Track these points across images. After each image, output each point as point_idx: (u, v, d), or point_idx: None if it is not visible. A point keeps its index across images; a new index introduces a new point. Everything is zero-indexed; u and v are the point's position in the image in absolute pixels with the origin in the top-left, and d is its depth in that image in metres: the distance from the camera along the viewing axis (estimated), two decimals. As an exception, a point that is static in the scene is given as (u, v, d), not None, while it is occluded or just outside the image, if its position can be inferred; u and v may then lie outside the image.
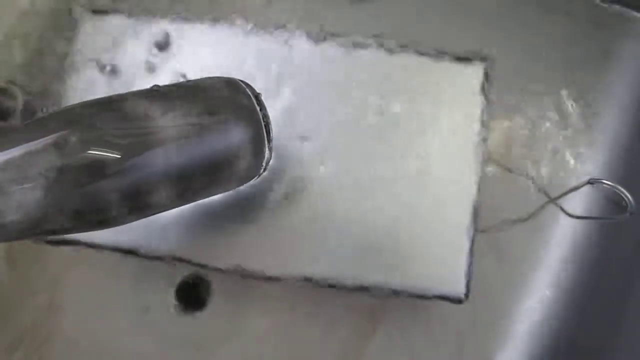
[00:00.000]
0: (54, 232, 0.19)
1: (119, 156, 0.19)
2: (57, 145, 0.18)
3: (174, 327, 0.31)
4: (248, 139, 0.23)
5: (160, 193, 0.21)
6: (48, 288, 0.31)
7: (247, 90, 0.24)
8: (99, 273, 0.31)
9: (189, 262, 0.29)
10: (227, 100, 0.23)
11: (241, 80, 0.24)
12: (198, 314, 0.31)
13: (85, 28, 0.31)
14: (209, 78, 0.24)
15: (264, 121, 0.23)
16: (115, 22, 0.31)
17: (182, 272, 0.31)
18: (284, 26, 0.31)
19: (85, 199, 0.19)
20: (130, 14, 0.31)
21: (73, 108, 0.20)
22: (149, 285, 0.31)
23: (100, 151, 0.19)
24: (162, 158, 0.20)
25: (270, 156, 0.25)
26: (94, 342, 0.31)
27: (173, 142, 0.20)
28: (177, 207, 0.23)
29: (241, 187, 0.29)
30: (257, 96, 0.24)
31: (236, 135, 0.22)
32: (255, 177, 0.26)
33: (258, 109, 0.23)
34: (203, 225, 0.30)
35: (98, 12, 0.31)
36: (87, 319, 0.31)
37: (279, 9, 0.32)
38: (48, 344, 0.31)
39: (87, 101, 0.21)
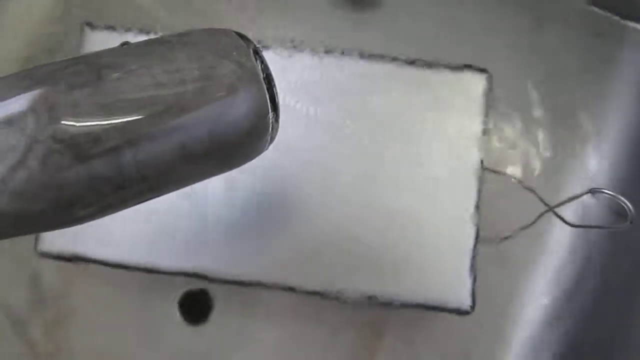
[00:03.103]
0: (37, 228, 0.16)
1: (100, 132, 0.15)
2: (25, 113, 0.14)
3: (179, 340, 0.31)
4: (249, 106, 0.18)
5: (156, 174, 0.17)
6: (55, 302, 0.31)
7: (244, 43, 0.19)
8: (105, 287, 0.31)
9: (192, 275, 0.29)
10: (219, 57, 0.18)
11: (236, 32, 0.19)
12: (203, 327, 0.31)
13: (87, 43, 0.31)
14: (197, 30, 0.19)
15: (266, 83, 0.18)
16: (116, 38, 0.31)
17: (186, 285, 0.31)
18: (284, 40, 0.31)
19: (59, 186, 0.15)
20: (133, 31, 0.31)
21: (44, 66, 0.16)
22: (154, 298, 0.31)
23: (74, 122, 0.15)
24: (152, 134, 0.16)
25: (277, 129, 0.20)
26: (100, 356, 0.31)
27: (164, 113, 0.16)
28: (175, 190, 0.19)
29: (242, 200, 0.29)
30: (256, 50, 0.19)
31: (235, 103, 0.18)
32: (260, 153, 0.20)
33: (259, 64, 0.18)
34: (204, 239, 0.30)
35: (99, 27, 0.31)
36: (93, 333, 0.31)
37: (279, 22, 0.32)
38: (55, 358, 0.31)
39: (60, 60, 0.17)
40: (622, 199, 0.28)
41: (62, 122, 0.15)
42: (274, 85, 0.19)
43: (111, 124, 0.15)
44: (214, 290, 0.31)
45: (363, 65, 0.31)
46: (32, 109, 0.14)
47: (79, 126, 0.15)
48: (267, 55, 0.31)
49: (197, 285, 0.31)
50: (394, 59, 0.31)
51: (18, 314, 0.31)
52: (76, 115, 0.15)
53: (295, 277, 0.29)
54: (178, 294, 0.31)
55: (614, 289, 0.31)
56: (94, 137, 0.15)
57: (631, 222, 0.28)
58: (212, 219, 0.30)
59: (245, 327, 0.31)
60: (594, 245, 0.31)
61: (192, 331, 0.31)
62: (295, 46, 0.31)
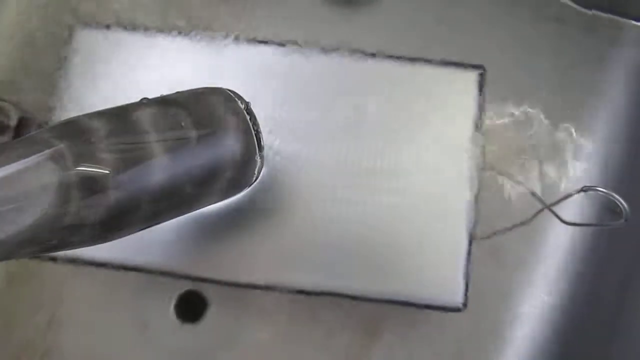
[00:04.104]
0: (47, 250, 0.19)
1: (108, 172, 0.19)
2: (53, 161, 0.18)
3: (174, 341, 0.31)
4: (239, 149, 0.23)
5: (153, 207, 0.21)
6: (48, 304, 0.31)
7: (236, 99, 0.24)
8: (98, 288, 0.31)
9: (186, 276, 0.29)
10: (217, 111, 0.23)
11: (230, 90, 0.24)
12: (197, 327, 0.31)
13: (79, 43, 0.31)
14: (198, 89, 0.24)
15: (254, 130, 0.23)
16: (108, 37, 0.31)
17: (180, 286, 0.31)
18: (277, 37, 0.31)
19: (76, 216, 0.18)
20: (122, 28, 0.31)
21: (65, 122, 0.20)
22: (148, 299, 0.31)
23: (91, 167, 0.18)
24: (154, 172, 0.20)
25: (262, 164, 0.25)
26: (93, 357, 0.31)
27: (164, 155, 0.20)
28: (172, 219, 0.23)
29: (236, 198, 0.29)
30: (246, 105, 0.24)
31: (227, 146, 0.22)
32: (248, 186, 0.26)
33: (248, 118, 0.23)
34: (199, 239, 0.30)
35: (91, 26, 0.31)
36: (86, 334, 0.31)
37: (272, 19, 0.32)
38: (49, 359, 0.31)
39: (78, 116, 0.20)
40: (616, 196, 0.28)
41: (79, 168, 0.18)
42: (260, 132, 0.24)
43: (123, 166, 0.19)
44: (208, 290, 0.31)
45: (357, 63, 0.31)
46: (59, 157, 0.18)
47: (95, 171, 0.19)
48: (259, 51, 0.31)
49: (191, 286, 0.31)
50: (388, 56, 0.31)
51: (12, 315, 0.31)
52: (92, 162, 0.19)
53: (290, 277, 0.29)
54: (173, 295, 0.31)
55: (610, 286, 0.31)
56: (106, 176, 0.19)
57: (626, 220, 0.28)
58: (206, 221, 0.30)
59: (240, 327, 0.31)
60: (589, 243, 0.31)
61: (187, 331, 0.31)
62: (288, 43, 0.31)
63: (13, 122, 0.32)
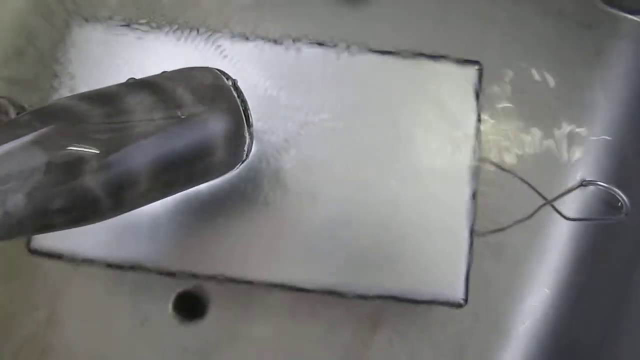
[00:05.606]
0: (37, 231, 0.19)
1: (98, 152, 0.19)
2: (39, 143, 0.18)
3: (173, 337, 0.31)
4: (227, 126, 0.23)
5: (143, 186, 0.21)
6: (47, 301, 0.31)
7: (223, 76, 0.24)
8: (98, 286, 0.31)
9: (184, 273, 0.29)
10: (205, 89, 0.23)
11: (216, 68, 0.24)
12: (197, 323, 0.31)
13: (77, 37, 0.31)
14: (186, 68, 0.24)
15: (242, 107, 0.24)
16: (106, 31, 0.31)
17: (179, 283, 0.31)
18: (278, 32, 0.31)
19: (68, 196, 0.19)
20: (121, 23, 0.31)
21: (53, 105, 0.20)
22: (147, 296, 0.31)
23: (81, 147, 0.19)
24: (143, 152, 0.20)
25: (252, 141, 0.25)
26: (93, 354, 0.31)
27: (153, 135, 0.20)
28: (163, 198, 0.23)
29: (237, 198, 0.30)
30: (234, 83, 0.24)
31: (216, 124, 0.23)
32: (239, 164, 0.26)
33: (235, 94, 0.24)
34: (196, 237, 0.30)
35: (90, 21, 0.31)
36: (86, 331, 0.31)
37: (274, 15, 0.32)
38: (47, 356, 0.31)
39: (67, 97, 0.21)
40: (616, 190, 0.28)
41: (70, 148, 0.18)
42: (248, 109, 0.24)
43: (113, 146, 0.19)
44: (209, 287, 0.31)
45: (355, 58, 0.31)
46: (48, 138, 0.18)
47: (85, 151, 0.19)
48: (258, 47, 0.31)
49: (192, 283, 0.31)
50: (387, 52, 0.31)
51: (12, 311, 0.31)
52: (81, 142, 0.19)
53: (292, 275, 0.29)
54: (173, 292, 0.31)
55: (611, 281, 0.31)
56: (96, 156, 0.19)
57: (626, 214, 0.28)
58: (207, 219, 0.30)
59: (240, 324, 0.31)
60: (590, 238, 0.31)
61: (188, 329, 0.31)
62: (288, 39, 0.31)
63: (11, 118, 0.31)
